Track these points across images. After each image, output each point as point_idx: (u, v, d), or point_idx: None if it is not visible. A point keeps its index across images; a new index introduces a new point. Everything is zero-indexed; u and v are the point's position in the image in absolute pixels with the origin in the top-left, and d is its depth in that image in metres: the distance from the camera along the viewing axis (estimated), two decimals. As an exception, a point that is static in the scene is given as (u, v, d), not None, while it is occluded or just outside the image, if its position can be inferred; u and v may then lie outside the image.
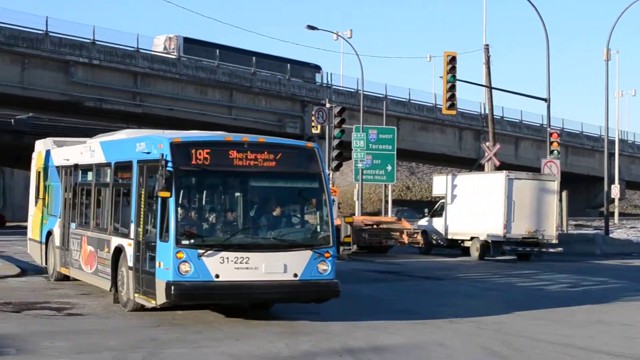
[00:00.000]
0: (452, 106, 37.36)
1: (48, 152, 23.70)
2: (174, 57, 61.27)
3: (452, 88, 36.61)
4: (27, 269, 25.98)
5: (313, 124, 40.18)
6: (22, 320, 15.71)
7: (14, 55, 53.57)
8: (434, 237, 37.35)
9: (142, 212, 16.12)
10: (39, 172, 24.14)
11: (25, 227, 25.98)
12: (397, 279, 26.05)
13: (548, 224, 34.24)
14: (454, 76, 36.47)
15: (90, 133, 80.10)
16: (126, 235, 16.72)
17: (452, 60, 36.52)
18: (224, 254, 14.90)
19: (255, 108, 66.21)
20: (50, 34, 54.86)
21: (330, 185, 20.67)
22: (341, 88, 71.96)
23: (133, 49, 59.05)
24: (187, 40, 63.66)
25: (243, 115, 65.49)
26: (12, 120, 78.10)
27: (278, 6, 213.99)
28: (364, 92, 52.81)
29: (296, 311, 17.22)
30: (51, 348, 12.87)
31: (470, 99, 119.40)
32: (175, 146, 15.34)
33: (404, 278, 26.30)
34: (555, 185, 35.23)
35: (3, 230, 65.02)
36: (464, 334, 15.15)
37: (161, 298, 14.88)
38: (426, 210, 41.05)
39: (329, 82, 70.56)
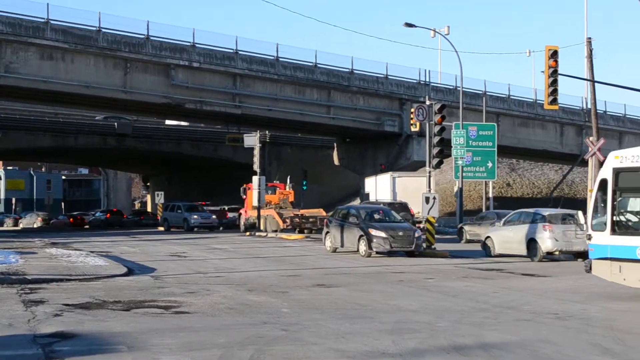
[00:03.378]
0: (554, 101, 36.72)
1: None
2: (272, 57, 61.69)
3: (554, 83, 35.98)
4: (134, 269, 26.51)
5: (412, 121, 39.92)
6: (132, 318, 16.00)
7: (116, 60, 54.70)
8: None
9: None
10: None
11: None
12: (501, 275, 25.72)
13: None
14: (555, 70, 35.84)
15: (192, 136, 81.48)
16: None
17: (554, 54, 35.90)
18: None
19: (354, 107, 66.23)
20: (151, 38, 55.84)
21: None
22: (439, 85, 71.53)
23: (232, 50, 59.68)
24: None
25: (341, 115, 65.60)
26: (116, 124, 79.82)
27: (375, 6, 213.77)
28: (463, 89, 52.34)
29: (398, 308, 17.19)
30: (161, 345, 13.06)
31: (572, 94, 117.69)
32: None
33: (508, 275, 25.95)
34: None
35: (111, 230, 66.44)
36: (572, 331, 14.87)
37: None
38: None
39: (427, 80, 70.18)
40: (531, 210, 33.77)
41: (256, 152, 59.34)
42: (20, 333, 14.16)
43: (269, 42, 78.04)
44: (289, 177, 68.84)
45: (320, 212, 57.87)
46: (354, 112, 66.30)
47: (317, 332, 14.32)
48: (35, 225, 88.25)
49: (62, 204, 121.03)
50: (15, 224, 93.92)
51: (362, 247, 32.87)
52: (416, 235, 32.97)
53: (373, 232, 32.59)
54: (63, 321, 15.42)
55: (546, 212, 32.17)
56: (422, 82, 69.60)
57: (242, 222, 62.25)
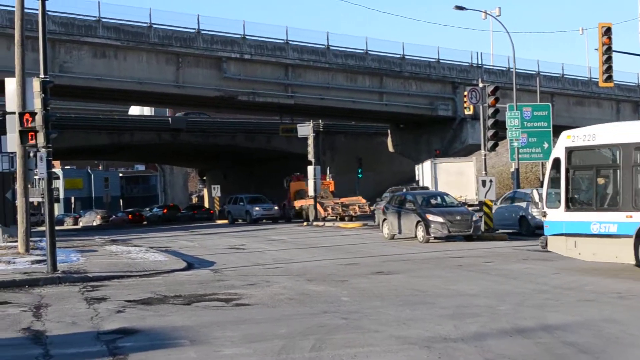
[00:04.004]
0: (609, 78, 36.25)
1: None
2: (322, 46, 61.64)
3: (608, 60, 35.52)
4: (193, 263, 26.70)
5: (465, 105, 39.65)
6: (193, 312, 16.11)
7: (168, 55, 55.05)
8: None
9: None
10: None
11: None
12: (560, 256, 25.42)
13: None
14: (609, 48, 35.37)
15: (245, 128, 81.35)
16: None
17: (607, 31, 35.41)
18: None
19: (406, 92, 65.94)
20: (202, 32, 56.10)
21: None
22: (492, 67, 70.95)
23: (282, 41, 59.72)
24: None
25: (394, 101, 65.37)
26: (170, 119, 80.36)
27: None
28: (516, 70, 51.83)
29: (458, 293, 17.12)
30: (222, 338, 13.13)
31: (627, 70, 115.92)
32: None
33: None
34: None
35: (169, 225, 67.04)
36: (636, 310, 14.67)
37: None
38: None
39: (480, 62, 69.62)
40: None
41: (310, 141, 59.36)
42: (84, 330, 14.34)
43: (319, 31, 77.81)
44: (328, 167, 69.33)
45: (360, 199, 58.78)
46: (406, 98, 66.02)
47: (378, 320, 14.30)
48: (94, 223, 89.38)
49: (121, 201, 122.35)
50: (75, 222, 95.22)
51: (420, 233, 32.75)
52: (474, 219, 32.77)
53: (430, 217, 32.45)
54: (125, 317, 15.58)
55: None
56: (474, 65, 69.08)
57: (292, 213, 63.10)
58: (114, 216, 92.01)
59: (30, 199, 32.55)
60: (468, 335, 12.73)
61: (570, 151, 20.53)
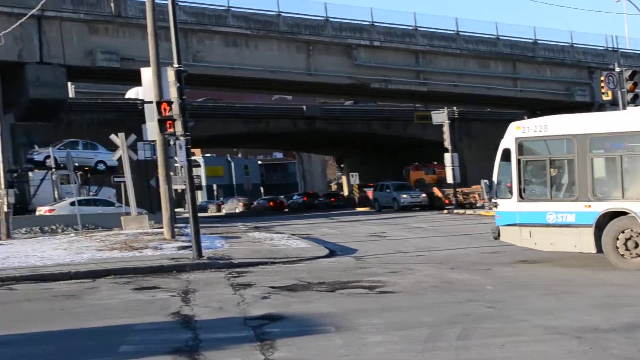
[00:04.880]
0: None
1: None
2: (452, 32, 61.03)
3: None
4: (335, 250, 26.84)
5: (603, 90, 38.54)
6: (337, 299, 16.19)
7: (298, 43, 55.46)
8: None
9: None
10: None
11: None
12: None
13: None
14: None
15: (380, 115, 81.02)
16: None
17: None
18: None
19: (541, 78, 64.72)
20: (331, 19, 56.29)
21: None
22: (628, 51, 68.92)
23: (411, 27, 59.43)
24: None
25: (528, 87, 64.27)
26: (304, 107, 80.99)
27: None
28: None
29: (606, 282, 16.72)
30: (367, 325, 13.16)
31: None
32: None
33: None
34: None
35: (309, 213, 67.67)
36: None
37: None
38: None
39: (615, 46, 67.68)
40: None
41: (445, 128, 58.90)
42: (231, 316, 14.60)
43: (448, 17, 77.32)
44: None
45: (478, 188, 58.05)
46: (541, 84, 64.81)
47: (524, 309, 14.08)
48: (237, 210, 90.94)
49: (261, 188, 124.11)
50: (218, 209, 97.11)
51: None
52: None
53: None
54: (271, 303, 15.78)
55: None
56: (609, 49, 67.29)
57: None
58: (255, 203, 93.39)
59: (174, 186, 33.32)
60: (620, 325, 12.40)
61: (520, 142, 20.60)
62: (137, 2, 49.41)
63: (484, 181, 22.29)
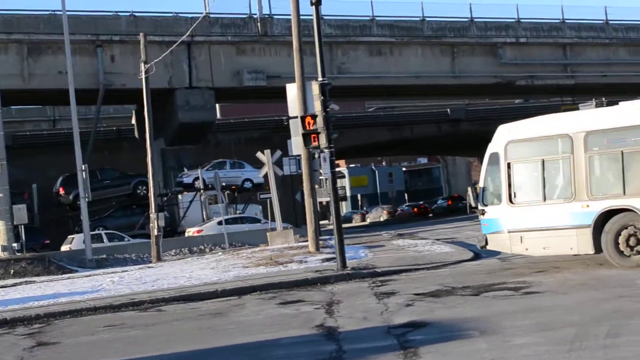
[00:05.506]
0: None
1: None
2: (601, 22, 59.53)
3: None
4: (480, 253, 26.43)
5: None
6: (481, 302, 15.94)
7: (443, 46, 55.34)
8: None
9: None
10: None
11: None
12: None
13: None
14: None
15: (526, 112, 80.00)
16: None
17: None
18: None
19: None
20: (475, 19, 55.91)
21: None
22: None
23: (558, 20, 58.35)
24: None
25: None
26: (448, 110, 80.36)
27: None
28: None
29: None
30: (512, 327, 12.88)
31: None
32: None
33: None
34: None
35: (454, 216, 67.14)
36: None
37: None
38: None
39: None
40: None
41: (594, 120, 57.38)
42: (374, 325, 14.53)
43: (596, 7, 75.40)
44: None
45: None
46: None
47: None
48: (381, 219, 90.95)
49: (405, 194, 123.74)
50: (363, 219, 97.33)
51: None
52: None
53: None
54: (414, 311, 15.65)
55: None
56: None
57: None
58: (399, 210, 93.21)
59: (319, 199, 33.55)
60: None
61: (510, 145, 19.95)
62: (282, 20, 50.32)
63: (470, 188, 21.63)
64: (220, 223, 41.06)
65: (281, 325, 15.53)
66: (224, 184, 45.55)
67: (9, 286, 28.74)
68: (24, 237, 38.10)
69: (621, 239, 18.48)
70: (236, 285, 21.70)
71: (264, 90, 52.96)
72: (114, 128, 61.84)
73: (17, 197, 41.01)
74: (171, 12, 52.16)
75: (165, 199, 48.77)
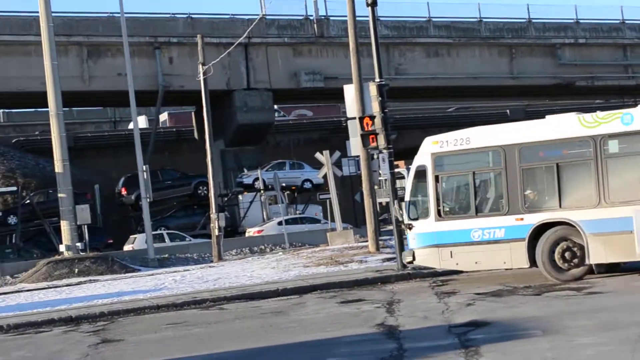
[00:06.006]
0: None
1: None
2: (662, 21, 58.86)
3: None
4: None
5: None
6: (543, 302, 15.89)
7: (500, 48, 55.07)
8: None
9: None
10: None
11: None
12: None
13: None
14: None
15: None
16: None
17: None
18: None
19: None
20: (533, 20, 55.55)
21: None
22: None
23: (618, 21, 57.70)
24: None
25: None
26: (508, 111, 79.72)
27: None
28: None
29: None
30: (575, 327, 12.82)
31: None
32: None
33: None
34: None
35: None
36: None
37: None
38: None
39: None
40: None
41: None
42: (435, 324, 14.56)
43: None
44: None
45: None
46: None
47: None
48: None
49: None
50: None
51: None
52: None
53: None
54: (475, 310, 15.64)
55: None
56: None
57: None
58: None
59: (378, 200, 33.60)
60: None
61: (439, 157, 19.58)
62: (339, 21, 50.46)
63: (396, 202, 21.23)
64: (280, 223, 41.27)
65: (342, 323, 15.60)
66: (283, 184, 45.78)
67: (74, 285, 29.22)
68: (87, 237, 38.69)
69: (557, 253, 18.22)
70: (297, 284, 21.82)
71: (321, 91, 53.11)
72: (174, 129, 62.41)
73: (80, 197, 41.56)
74: (228, 14, 52.59)
75: (226, 199, 49.11)
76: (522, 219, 18.59)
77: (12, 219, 45.63)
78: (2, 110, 73.63)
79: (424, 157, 19.81)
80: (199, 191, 49.64)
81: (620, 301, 14.91)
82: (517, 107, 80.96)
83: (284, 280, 23.14)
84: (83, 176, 50.81)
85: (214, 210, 36.26)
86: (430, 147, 19.77)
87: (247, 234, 44.25)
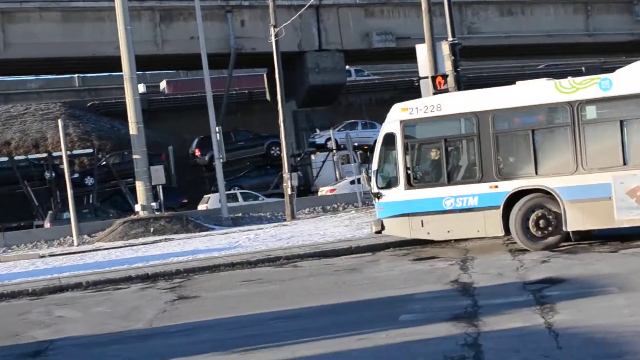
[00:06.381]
0: None
1: None
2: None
3: None
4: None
5: None
6: (620, 259, 15.73)
7: (576, 5, 54.23)
8: None
9: None
10: None
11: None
12: None
13: None
14: None
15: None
16: None
17: None
18: None
19: None
20: (610, -24, 54.64)
21: None
22: None
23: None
24: None
25: None
26: (583, 68, 78.49)
27: None
28: None
29: None
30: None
31: None
32: None
33: None
34: None
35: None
36: None
37: None
38: None
39: None
40: None
41: None
42: (509, 281, 14.53)
43: None
44: None
45: None
46: None
47: None
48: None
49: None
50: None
51: None
52: None
53: None
54: (550, 267, 15.57)
55: None
56: None
57: None
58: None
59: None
60: None
61: (408, 125, 19.07)
62: (412, -19, 50.08)
63: (363, 170, 20.62)
64: (352, 182, 41.27)
65: (415, 280, 15.63)
66: (355, 144, 45.72)
67: (149, 243, 29.69)
68: (162, 197, 39.18)
69: (531, 221, 17.88)
70: (370, 242, 21.83)
71: (394, 51, 52.85)
72: (246, 91, 62.66)
73: (154, 158, 42.04)
74: (299, -24, 52.43)
75: (299, 159, 49.30)
76: (496, 187, 18.27)
77: (88, 180, 46.37)
78: (77, 75, 74.59)
79: (392, 124, 19.36)
80: (272, 151, 49.87)
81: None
82: (594, 64, 79.81)
83: (357, 238, 23.20)
84: (157, 138, 51.44)
85: (286, 170, 36.41)
86: (400, 113, 19.28)
87: (319, 193, 44.36)
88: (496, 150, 18.39)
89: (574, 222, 17.59)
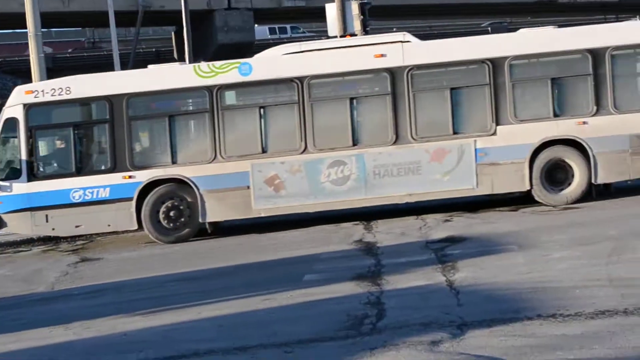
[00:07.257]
0: None
1: None
2: None
3: None
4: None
5: None
6: (520, 218, 16.07)
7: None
8: None
9: None
10: None
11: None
12: None
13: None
14: None
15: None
16: None
17: None
18: None
19: None
20: None
21: None
22: None
23: None
24: None
25: None
26: (489, 29, 79.34)
27: None
28: None
29: None
30: (550, 242, 12.97)
31: None
32: None
33: None
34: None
35: None
36: None
37: None
38: None
39: None
40: None
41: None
42: (412, 240, 14.71)
43: None
44: None
45: None
46: None
47: None
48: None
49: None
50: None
51: None
52: None
53: None
54: (452, 226, 15.78)
55: None
56: None
57: None
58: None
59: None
60: None
61: (33, 109, 17.31)
62: None
63: None
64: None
65: (321, 241, 15.72)
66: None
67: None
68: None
69: (161, 212, 17.17)
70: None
71: (303, 10, 52.56)
72: (153, 49, 61.82)
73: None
74: None
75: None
76: (130, 177, 17.27)
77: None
78: (-21, 32, 72.70)
79: (14, 108, 17.45)
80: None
81: (595, 216, 15.07)
82: (500, 24, 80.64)
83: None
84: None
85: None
86: (23, 97, 17.49)
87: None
88: (131, 137, 17.42)
89: (212, 213, 17.12)
